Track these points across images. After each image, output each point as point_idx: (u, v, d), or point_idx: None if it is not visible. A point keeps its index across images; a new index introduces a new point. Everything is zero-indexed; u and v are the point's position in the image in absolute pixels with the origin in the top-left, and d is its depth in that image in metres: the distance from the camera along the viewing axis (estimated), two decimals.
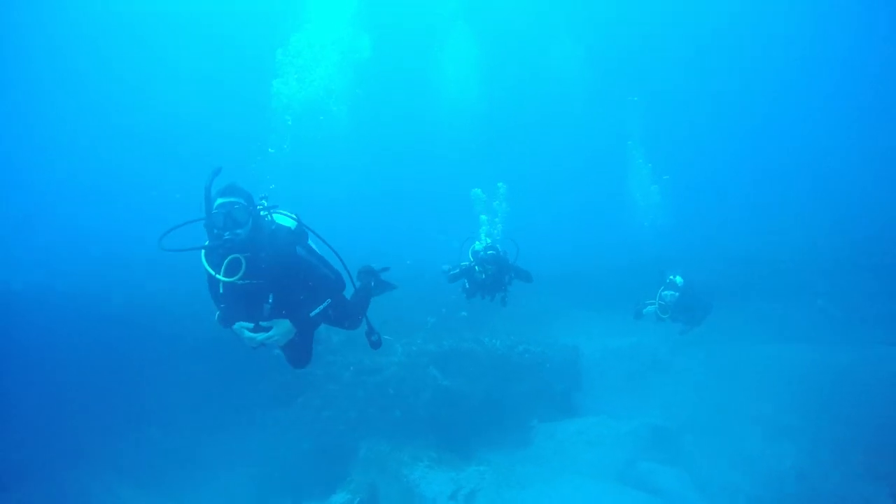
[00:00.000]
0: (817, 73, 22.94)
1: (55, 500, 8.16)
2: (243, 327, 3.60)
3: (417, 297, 12.92)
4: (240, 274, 3.45)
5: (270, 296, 3.65)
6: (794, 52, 22.32)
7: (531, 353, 10.93)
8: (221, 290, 3.55)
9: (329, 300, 3.83)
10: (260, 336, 3.59)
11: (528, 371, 10.79)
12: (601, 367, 11.20)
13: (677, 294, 8.25)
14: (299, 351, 4.15)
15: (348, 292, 4.53)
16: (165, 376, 9.88)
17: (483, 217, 11.94)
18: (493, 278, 7.46)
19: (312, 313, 3.75)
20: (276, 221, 3.86)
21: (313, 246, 4.12)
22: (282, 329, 3.66)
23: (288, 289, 3.69)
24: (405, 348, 10.90)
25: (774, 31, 21.85)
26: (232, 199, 3.56)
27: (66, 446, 8.64)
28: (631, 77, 22.73)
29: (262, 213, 3.76)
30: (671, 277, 8.67)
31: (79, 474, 8.54)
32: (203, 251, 3.54)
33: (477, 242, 7.89)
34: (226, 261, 3.45)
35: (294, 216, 4.00)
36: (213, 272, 3.48)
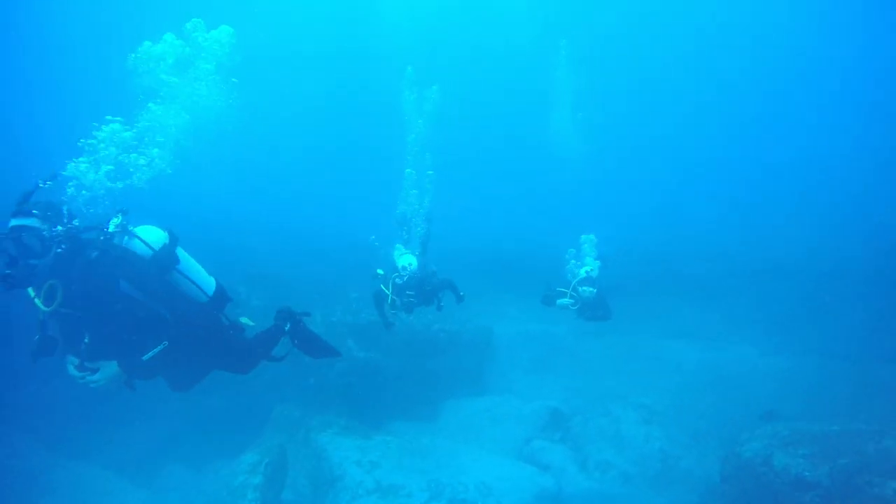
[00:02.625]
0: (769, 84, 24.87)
1: None
2: (70, 362, 3.44)
3: (343, 270, 13.50)
4: (56, 303, 3.19)
5: (86, 334, 3.37)
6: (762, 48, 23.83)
7: (446, 331, 11.79)
8: (40, 318, 3.30)
9: (165, 343, 3.50)
10: (87, 377, 3.40)
11: (443, 349, 11.67)
12: (512, 350, 12.28)
13: (594, 290, 8.46)
14: (179, 377, 4.09)
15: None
16: None
17: (408, 171, 11.98)
18: (418, 298, 7.24)
19: (145, 357, 3.44)
20: (127, 245, 3.56)
21: (187, 274, 3.88)
22: (107, 373, 3.44)
23: (104, 327, 3.38)
24: (324, 319, 11.49)
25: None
26: (24, 223, 3.16)
27: None
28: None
29: (111, 231, 3.48)
30: (590, 270, 8.87)
31: None
32: None
33: (400, 255, 7.58)
34: (44, 286, 3.19)
35: (159, 242, 3.68)
36: (33, 296, 3.22)
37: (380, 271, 7.41)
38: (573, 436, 8.93)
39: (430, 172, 12.58)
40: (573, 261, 9.92)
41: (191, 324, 3.67)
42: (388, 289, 7.27)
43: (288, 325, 4.62)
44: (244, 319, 4.47)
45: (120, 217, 3.57)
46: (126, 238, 3.57)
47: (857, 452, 4.07)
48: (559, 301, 8.68)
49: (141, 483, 8.97)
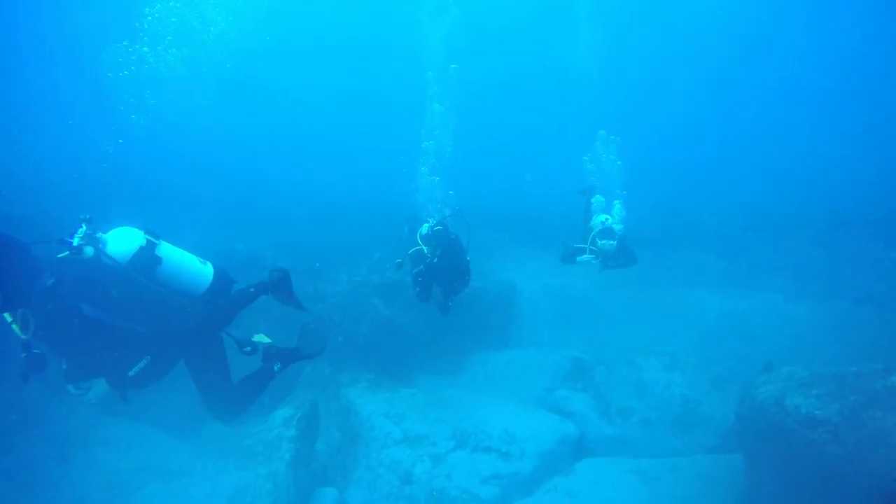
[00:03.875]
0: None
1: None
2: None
3: (368, 229, 13.79)
4: (31, 330, 3.13)
5: (63, 361, 3.34)
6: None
7: (470, 287, 11.98)
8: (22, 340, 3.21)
9: (147, 358, 3.53)
10: (84, 395, 3.52)
11: (467, 304, 11.86)
12: (536, 303, 12.46)
13: (615, 243, 8.24)
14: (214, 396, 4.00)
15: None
16: None
17: (429, 74, 11.76)
18: (447, 260, 7.25)
19: (131, 372, 3.48)
20: (96, 257, 3.36)
21: (172, 271, 3.72)
22: (98, 390, 3.55)
23: (77, 353, 3.32)
24: (350, 278, 11.81)
25: None
26: None
27: None
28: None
29: (76, 245, 3.28)
30: (605, 220, 8.62)
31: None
32: None
33: (424, 225, 7.78)
34: (17, 314, 3.13)
35: (132, 249, 3.51)
36: (9, 321, 3.18)
37: (398, 260, 7.51)
38: (595, 384, 9.16)
39: (454, 66, 12.33)
40: (589, 163, 9.50)
41: (170, 337, 3.61)
42: (419, 244, 7.48)
43: (278, 366, 4.45)
44: (258, 337, 4.37)
45: (84, 227, 3.37)
46: (95, 249, 3.37)
47: (866, 390, 4.17)
48: (579, 258, 8.54)
49: (183, 439, 9.59)
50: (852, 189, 13.42)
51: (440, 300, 8.00)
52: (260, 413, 9.63)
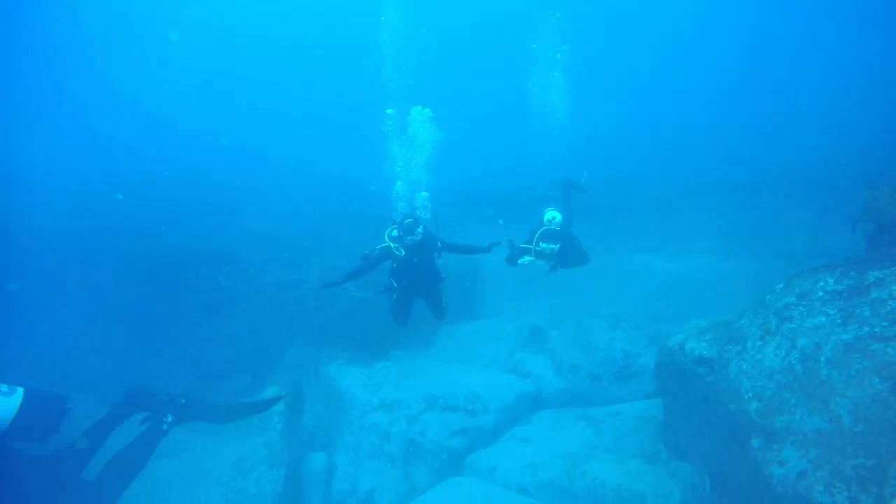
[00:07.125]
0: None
1: None
2: None
3: (333, 217, 14.86)
4: None
5: None
6: None
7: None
8: None
9: None
10: None
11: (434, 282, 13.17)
12: (497, 278, 13.81)
13: (556, 247, 8.08)
14: None
15: None
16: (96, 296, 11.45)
17: None
18: (419, 254, 7.20)
19: None
20: None
21: None
22: None
23: None
24: (321, 263, 12.96)
25: None
26: None
27: None
28: None
29: None
30: (549, 218, 8.47)
31: None
32: None
33: (393, 229, 7.63)
34: None
35: None
36: None
37: (366, 252, 7.38)
38: (550, 347, 10.55)
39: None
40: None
41: None
42: (389, 242, 7.48)
43: (169, 420, 4.30)
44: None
45: None
46: None
47: (732, 330, 5.53)
48: (520, 261, 8.33)
49: None
50: (776, 154, 14.96)
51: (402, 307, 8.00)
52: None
